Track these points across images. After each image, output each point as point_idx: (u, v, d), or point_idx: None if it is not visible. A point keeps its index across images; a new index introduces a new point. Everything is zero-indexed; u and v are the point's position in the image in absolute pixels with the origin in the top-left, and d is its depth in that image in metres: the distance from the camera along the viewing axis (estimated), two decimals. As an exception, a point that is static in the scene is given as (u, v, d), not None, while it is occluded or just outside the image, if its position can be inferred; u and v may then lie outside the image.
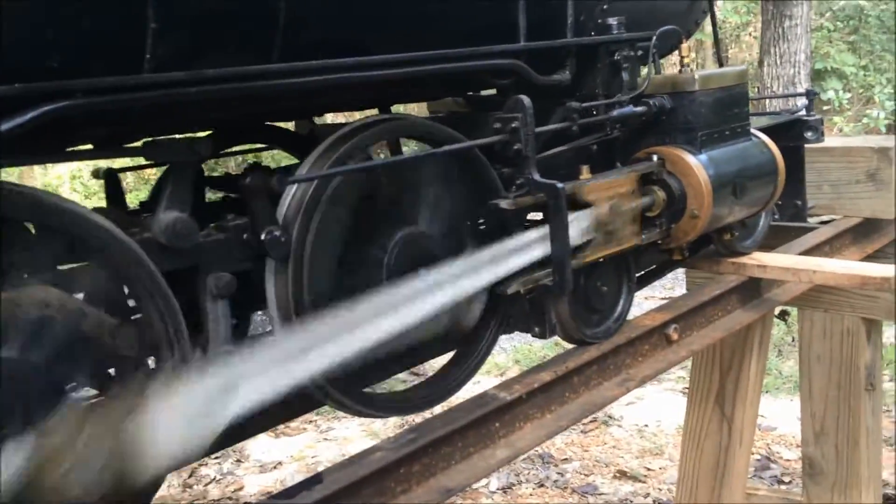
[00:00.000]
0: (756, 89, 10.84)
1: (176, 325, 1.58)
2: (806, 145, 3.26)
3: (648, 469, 5.83)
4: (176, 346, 1.58)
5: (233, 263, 1.73)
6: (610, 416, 6.53)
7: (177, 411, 1.45)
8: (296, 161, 2.40)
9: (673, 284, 7.20)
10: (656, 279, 2.93)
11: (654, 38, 2.48)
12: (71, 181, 13.22)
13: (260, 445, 6.34)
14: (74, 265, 1.53)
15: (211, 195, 2.33)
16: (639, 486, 5.63)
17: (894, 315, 3.29)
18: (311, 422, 6.75)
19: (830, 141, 3.64)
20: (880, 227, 3.54)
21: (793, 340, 7.10)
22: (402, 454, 1.82)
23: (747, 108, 2.68)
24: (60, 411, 1.40)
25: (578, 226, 2.17)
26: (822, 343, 3.66)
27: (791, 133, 3.16)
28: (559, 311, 2.27)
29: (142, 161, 2.11)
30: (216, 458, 6.11)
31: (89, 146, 1.82)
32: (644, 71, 2.52)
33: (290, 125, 2.50)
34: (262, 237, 1.73)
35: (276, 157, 5.97)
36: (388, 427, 6.41)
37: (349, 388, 1.95)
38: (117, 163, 2.14)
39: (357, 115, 2.22)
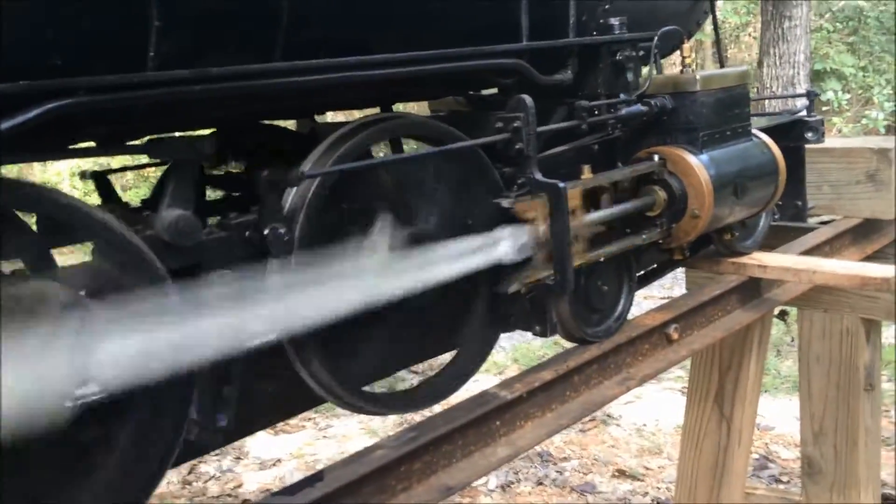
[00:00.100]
0: (755, 90, 10.84)
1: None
2: (806, 146, 3.26)
3: (647, 468, 5.83)
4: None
5: (235, 261, 1.73)
6: (609, 415, 6.54)
7: None
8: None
9: (672, 284, 7.20)
10: (657, 279, 2.94)
11: (656, 38, 2.49)
12: (70, 178, 13.21)
13: (259, 443, 6.35)
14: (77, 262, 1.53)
15: (210, 193, 2.34)
16: (637, 485, 5.64)
17: (894, 315, 3.30)
18: (310, 419, 6.75)
19: (830, 142, 3.65)
20: (880, 228, 3.55)
21: (792, 340, 7.11)
22: (403, 452, 1.82)
23: (748, 109, 2.68)
24: None
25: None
26: (822, 343, 3.67)
27: (792, 133, 3.16)
28: (560, 309, 2.28)
29: (136, 161, 2.12)
30: (215, 455, 6.12)
31: (91, 144, 1.82)
32: (645, 71, 2.53)
33: (291, 125, 2.50)
34: (265, 234, 1.73)
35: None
36: (387, 425, 6.42)
37: (351, 384, 1.95)
38: (113, 163, 2.14)
39: (356, 114, 2.22)
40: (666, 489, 5.47)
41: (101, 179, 2.09)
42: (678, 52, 2.72)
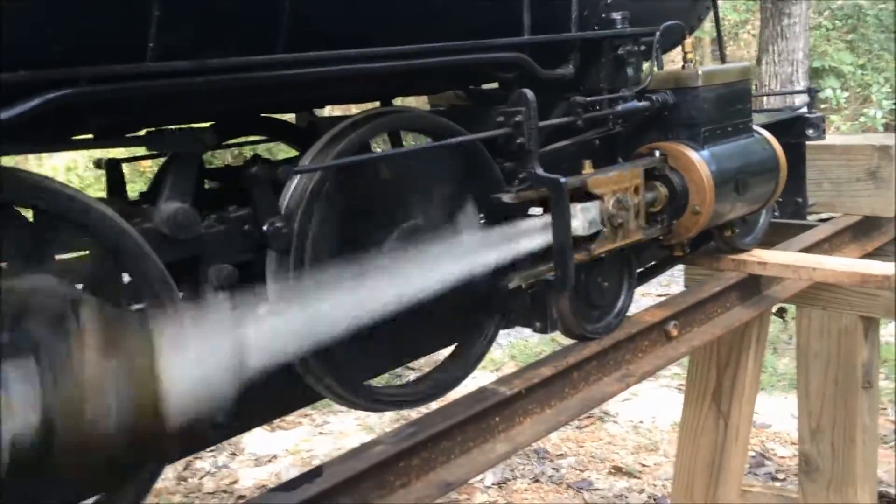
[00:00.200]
0: (755, 87, 10.84)
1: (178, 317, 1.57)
2: (807, 142, 3.25)
3: (643, 465, 5.83)
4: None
5: (234, 254, 1.72)
6: (605, 413, 6.54)
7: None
8: (294, 154, 2.39)
9: (669, 281, 7.20)
10: (657, 275, 2.93)
11: (658, 33, 2.48)
12: (66, 172, 13.16)
13: (255, 439, 6.33)
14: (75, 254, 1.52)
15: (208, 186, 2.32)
16: (634, 482, 5.64)
17: (894, 313, 3.30)
18: (306, 416, 6.74)
19: (831, 138, 3.64)
20: (880, 225, 3.55)
21: (790, 338, 7.11)
22: (401, 448, 1.82)
23: (750, 105, 2.67)
24: None
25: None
26: (820, 341, 3.67)
27: (792, 130, 3.16)
28: (560, 306, 2.27)
29: (138, 152, 2.10)
30: (211, 451, 6.10)
31: (90, 136, 1.81)
32: (647, 66, 2.52)
33: (291, 118, 2.49)
34: (265, 228, 1.72)
35: (273, 151, 5.95)
36: (383, 421, 6.41)
37: (349, 380, 1.94)
38: (114, 154, 2.12)
39: (354, 109, 2.21)
40: (662, 486, 5.47)
41: (113, 168, 2.07)
42: (678, 49, 2.72)
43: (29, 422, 1.30)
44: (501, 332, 2.38)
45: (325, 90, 2.10)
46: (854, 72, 14.46)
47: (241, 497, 5.68)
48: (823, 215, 3.62)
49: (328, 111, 3.89)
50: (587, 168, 2.25)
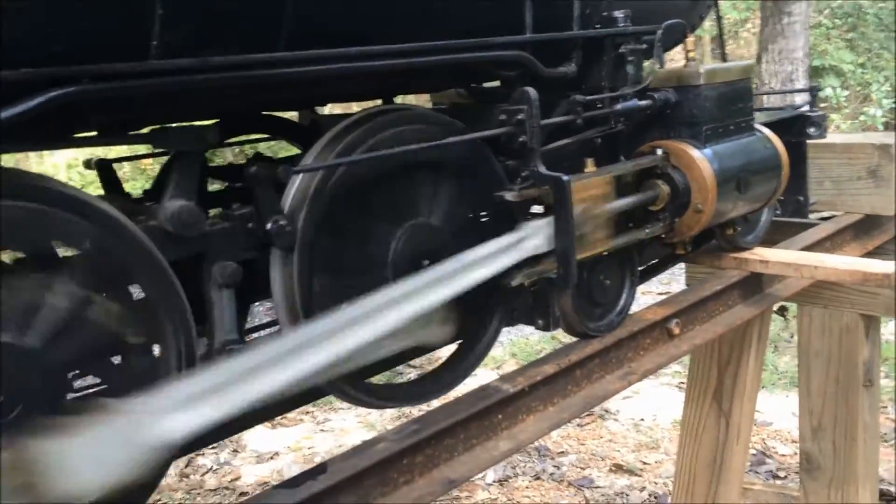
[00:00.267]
0: (755, 86, 10.83)
1: (182, 314, 1.57)
2: (808, 141, 3.25)
3: (644, 463, 5.84)
4: (182, 335, 1.57)
5: (237, 252, 1.73)
6: (606, 410, 6.54)
7: None
8: (296, 152, 2.39)
9: (670, 279, 7.20)
10: (658, 273, 2.93)
11: (660, 31, 2.48)
12: (67, 170, 13.16)
13: (257, 436, 6.34)
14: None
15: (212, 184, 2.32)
16: (635, 480, 5.64)
17: (894, 311, 3.30)
18: (308, 413, 6.75)
19: (832, 137, 3.64)
20: (881, 224, 3.55)
21: (791, 336, 7.12)
22: (405, 445, 1.82)
23: (751, 103, 2.67)
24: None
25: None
26: (821, 339, 3.67)
27: (794, 129, 3.16)
28: (563, 304, 2.27)
29: (137, 151, 2.10)
30: (213, 448, 6.11)
31: (93, 134, 1.81)
32: (648, 64, 2.52)
33: (292, 115, 2.49)
34: (268, 226, 1.73)
35: (274, 149, 5.95)
36: (385, 419, 6.42)
37: (353, 378, 1.94)
38: (103, 154, 2.12)
39: (354, 107, 2.21)
40: (663, 484, 5.48)
41: (105, 168, 2.08)
42: (679, 49, 2.72)
43: None
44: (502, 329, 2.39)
45: (326, 88, 2.10)
46: (854, 70, 14.44)
47: (242, 494, 5.69)
48: (825, 214, 3.62)
49: (328, 109, 3.89)
50: (589, 166, 2.25)
